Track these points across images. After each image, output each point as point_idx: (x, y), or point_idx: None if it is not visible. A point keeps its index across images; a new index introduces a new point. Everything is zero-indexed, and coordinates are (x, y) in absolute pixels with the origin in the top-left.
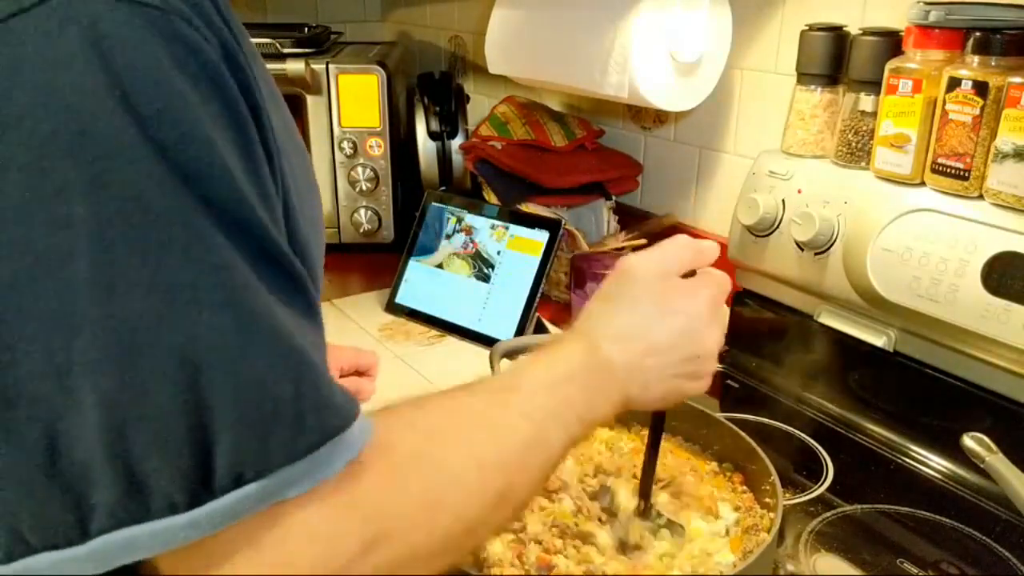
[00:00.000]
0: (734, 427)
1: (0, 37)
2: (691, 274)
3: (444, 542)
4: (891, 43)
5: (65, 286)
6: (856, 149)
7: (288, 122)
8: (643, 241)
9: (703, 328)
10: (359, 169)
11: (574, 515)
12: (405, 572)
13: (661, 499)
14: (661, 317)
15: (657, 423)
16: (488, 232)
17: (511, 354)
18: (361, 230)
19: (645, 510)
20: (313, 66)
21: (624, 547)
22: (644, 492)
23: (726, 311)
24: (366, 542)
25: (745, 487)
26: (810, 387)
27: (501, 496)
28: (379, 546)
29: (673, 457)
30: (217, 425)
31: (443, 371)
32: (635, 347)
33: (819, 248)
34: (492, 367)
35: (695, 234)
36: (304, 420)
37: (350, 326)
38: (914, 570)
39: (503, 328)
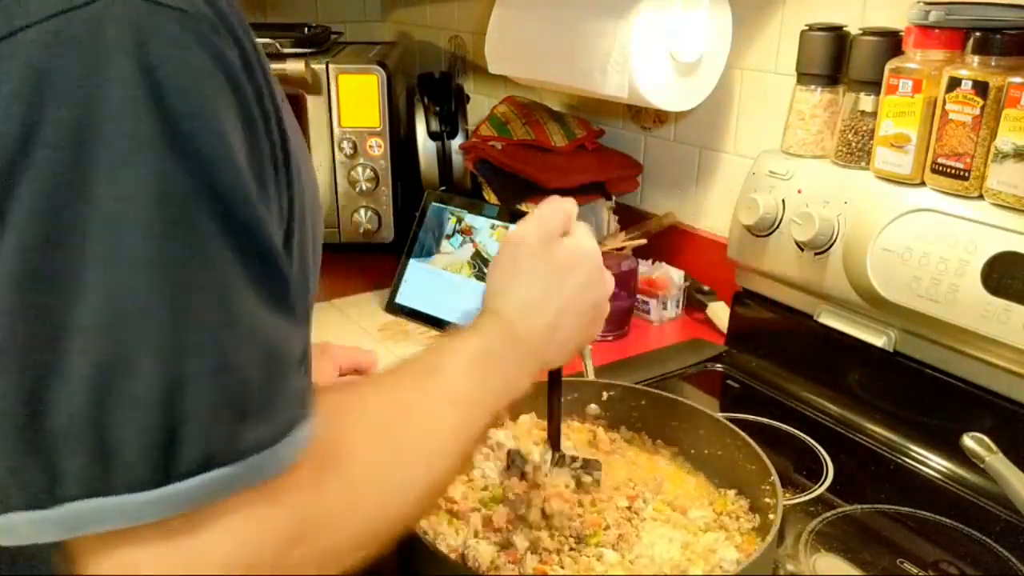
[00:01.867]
0: (734, 427)
1: (51, 36)
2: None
3: (368, 538)
4: (891, 43)
5: (74, 255)
6: (856, 149)
7: (293, 123)
8: (643, 241)
9: (597, 276)
10: (359, 169)
11: (502, 487)
12: (325, 569)
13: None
14: (560, 279)
15: (556, 377)
16: (488, 232)
17: None
18: (361, 230)
19: (559, 459)
20: (313, 66)
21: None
22: (553, 442)
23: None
24: (290, 539)
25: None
26: (810, 387)
27: (427, 489)
28: (303, 543)
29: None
30: (192, 406)
31: None
32: (544, 315)
33: (819, 248)
34: None
35: (695, 234)
36: (276, 410)
37: (350, 326)
38: (914, 570)
39: None
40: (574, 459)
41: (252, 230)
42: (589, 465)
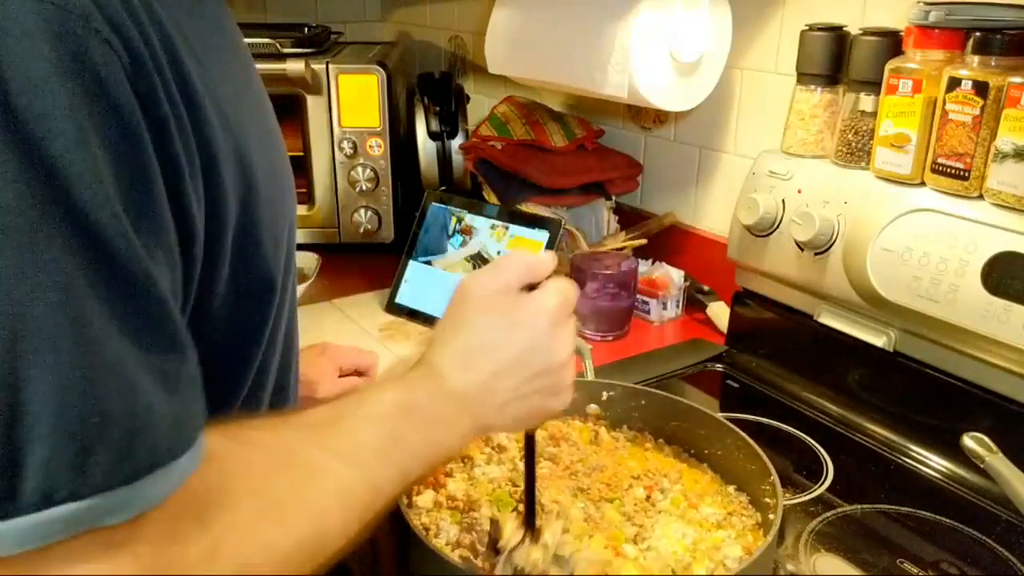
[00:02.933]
0: (734, 427)
1: None
2: (534, 288)
3: None
4: (891, 43)
5: None
6: (856, 149)
7: (257, 113)
8: (643, 241)
9: (548, 340)
10: (359, 169)
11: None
12: None
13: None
14: (504, 333)
15: (529, 446)
16: (488, 232)
17: None
18: (361, 230)
19: (535, 539)
20: (313, 66)
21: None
22: (528, 519)
23: (572, 320)
24: None
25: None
26: (810, 387)
27: (306, 549)
28: None
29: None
30: (32, 434)
31: None
32: (481, 369)
33: (819, 248)
34: None
35: (695, 234)
36: (131, 449)
37: (350, 326)
38: (914, 570)
39: None
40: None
41: (107, 241)
42: (559, 560)
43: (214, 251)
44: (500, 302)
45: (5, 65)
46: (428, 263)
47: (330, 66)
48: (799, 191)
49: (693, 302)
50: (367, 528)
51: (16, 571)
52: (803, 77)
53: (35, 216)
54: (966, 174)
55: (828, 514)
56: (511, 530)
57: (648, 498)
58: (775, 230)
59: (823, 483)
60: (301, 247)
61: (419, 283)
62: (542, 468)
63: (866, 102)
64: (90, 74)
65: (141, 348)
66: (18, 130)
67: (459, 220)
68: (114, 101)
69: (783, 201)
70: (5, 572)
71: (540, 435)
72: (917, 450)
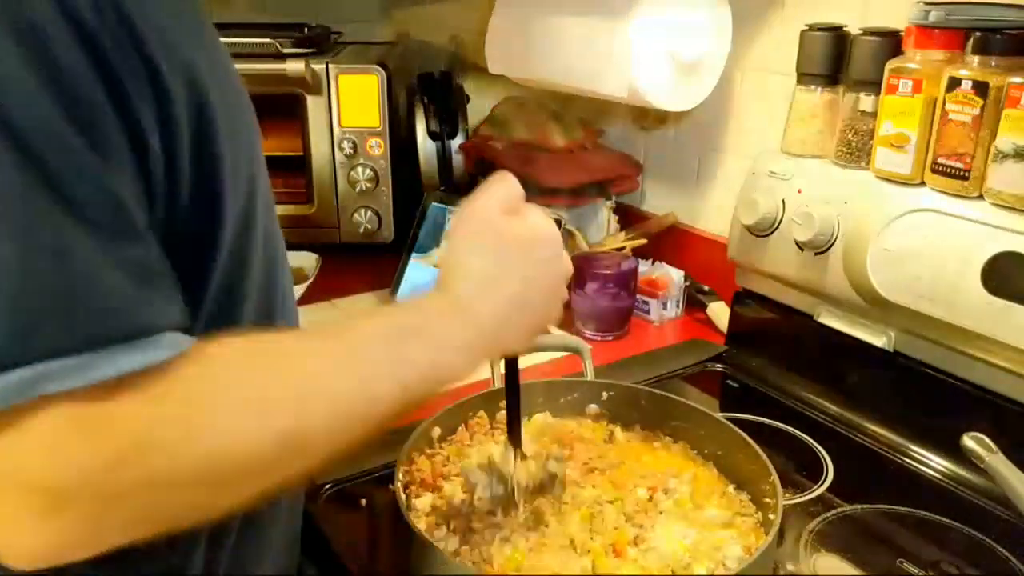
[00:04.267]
0: (734, 427)
1: None
2: None
3: (212, 475)
4: (891, 43)
5: None
6: (856, 149)
7: (208, 37)
8: (643, 241)
9: (560, 251)
10: (359, 169)
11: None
12: (160, 494)
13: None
14: (523, 251)
15: (511, 369)
16: None
17: None
18: (361, 230)
19: (523, 458)
20: (313, 66)
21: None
22: (515, 441)
23: (558, 238)
24: (110, 459)
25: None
26: (810, 387)
27: (292, 441)
28: (126, 466)
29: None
30: None
31: None
32: (505, 289)
33: (819, 248)
34: (491, 367)
35: (695, 234)
36: (75, 319)
37: None
38: (914, 570)
39: None
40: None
41: (52, 149)
42: (551, 475)
43: (173, 168)
44: (510, 223)
45: None
46: (427, 262)
47: (330, 66)
48: (799, 191)
49: (693, 302)
50: (360, 437)
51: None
52: (803, 77)
53: None
54: (966, 174)
55: (828, 514)
56: (500, 454)
57: (651, 499)
58: (775, 230)
59: (823, 483)
60: (301, 247)
61: (419, 283)
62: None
63: (866, 102)
64: (30, 28)
65: (97, 235)
66: None
67: None
68: (55, 53)
69: (783, 201)
70: None
71: (551, 440)
72: (917, 450)
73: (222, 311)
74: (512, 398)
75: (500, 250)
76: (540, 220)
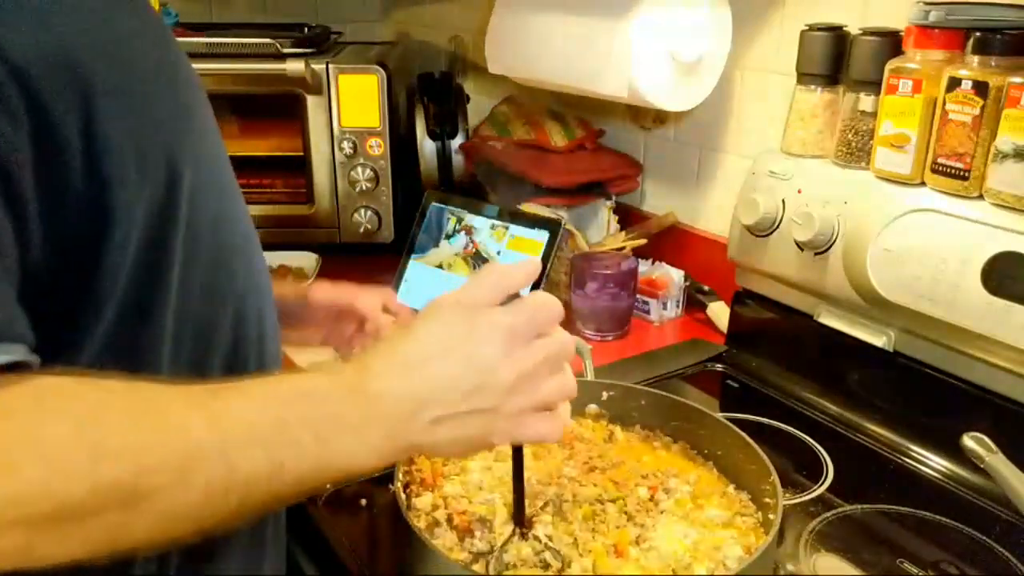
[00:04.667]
0: (733, 427)
1: None
2: None
3: (26, 509)
4: (891, 43)
5: None
6: (856, 149)
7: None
8: (643, 241)
9: (498, 358)
10: (359, 169)
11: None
12: None
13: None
14: (447, 345)
15: (516, 458)
16: (488, 232)
17: None
18: (361, 230)
19: (524, 534)
20: (313, 66)
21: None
22: (518, 520)
23: (542, 342)
24: None
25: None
26: (810, 387)
27: (118, 490)
28: None
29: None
30: None
31: None
32: (414, 380)
33: (819, 248)
34: None
35: (695, 234)
36: None
37: None
38: (914, 570)
39: None
40: (537, 539)
41: None
42: (551, 551)
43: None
44: (456, 314)
45: None
46: (427, 261)
47: (330, 66)
48: (799, 191)
49: (693, 302)
50: (223, 512)
51: None
52: (803, 77)
53: None
54: (966, 174)
55: (828, 514)
56: (499, 526)
57: (652, 498)
58: (775, 230)
59: (823, 483)
60: (301, 247)
61: (419, 283)
62: (564, 468)
63: (866, 102)
64: None
65: None
66: None
67: (459, 220)
68: None
69: (783, 201)
70: None
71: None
72: (917, 450)
73: (140, 306)
74: (518, 483)
75: (435, 336)
76: (507, 317)
